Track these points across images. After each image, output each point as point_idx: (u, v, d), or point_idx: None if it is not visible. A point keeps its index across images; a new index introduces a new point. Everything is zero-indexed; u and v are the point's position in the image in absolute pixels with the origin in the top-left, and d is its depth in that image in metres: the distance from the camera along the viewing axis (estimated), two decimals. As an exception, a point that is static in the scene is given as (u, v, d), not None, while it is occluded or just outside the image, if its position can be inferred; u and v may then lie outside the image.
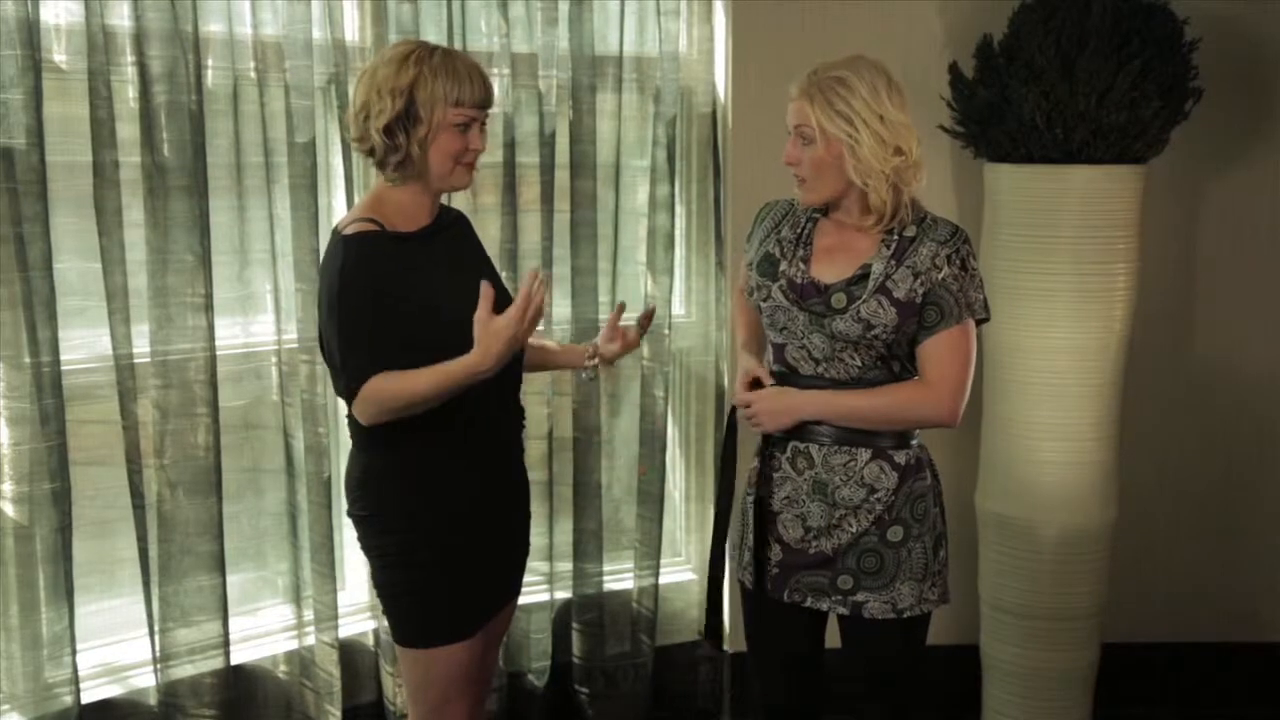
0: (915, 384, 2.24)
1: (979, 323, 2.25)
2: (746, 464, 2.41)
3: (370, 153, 2.18)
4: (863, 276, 2.21)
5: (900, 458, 2.26)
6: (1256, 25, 3.30)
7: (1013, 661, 3.13)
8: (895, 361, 2.24)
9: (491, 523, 2.28)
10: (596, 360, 2.50)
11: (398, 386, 2.09)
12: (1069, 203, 2.92)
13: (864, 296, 2.19)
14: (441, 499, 2.21)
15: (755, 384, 2.33)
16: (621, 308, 2.54)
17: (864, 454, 2.25)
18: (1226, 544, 3.52)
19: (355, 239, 2.13)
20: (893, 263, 2.20)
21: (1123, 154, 2.90)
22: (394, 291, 2.12)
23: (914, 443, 2.29)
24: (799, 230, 2.30)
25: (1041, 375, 2.99)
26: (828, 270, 2.25)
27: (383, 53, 2.19)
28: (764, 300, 2.29)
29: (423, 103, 2.11)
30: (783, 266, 2.28)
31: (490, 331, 2.06)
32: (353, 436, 2.26)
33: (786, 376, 2.30)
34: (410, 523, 2.21)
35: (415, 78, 2.11)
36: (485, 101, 2.19)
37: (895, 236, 2.21)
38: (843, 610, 2.29)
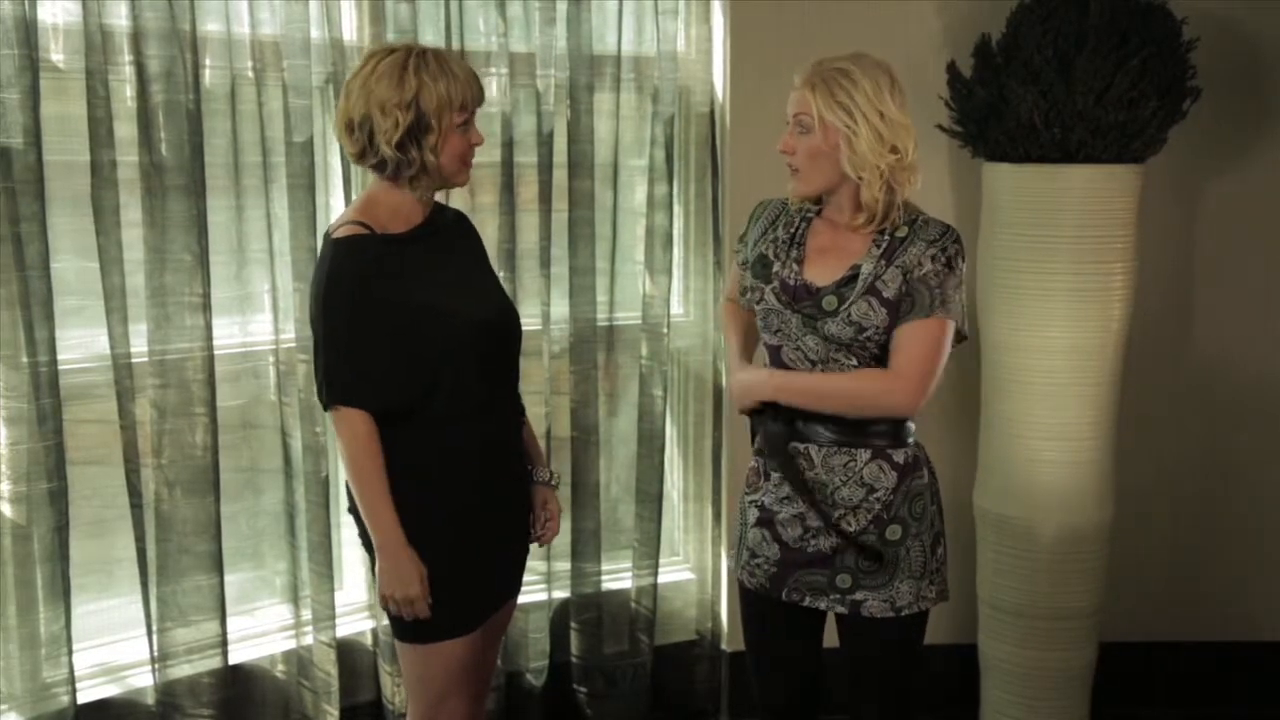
0: (879, 371, 2.22)
1: (958, 337, 2.25)
2: (744, 463, 2.42)
3: (377, 167, 2.18)
4: (852, 277, 2.21)
5: (899, 457, 2.26)
6: (1255, 25, 3.30)
7: (1011, 660, 3.13)
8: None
9: (491, 519, 2.29)
10: (547, 481, 2.45)
11: (364, 459, 2.14)
12: (1067, 202, 2.92)
13: (853, 298, 2.19)
14: (441, 495, 2.21)
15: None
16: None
17: (863, 454, 2.25)
18: (1224, 543, 3.52)
19: (344, 242, 2.14)
20: (882, 263, 2.20)
21: (1121, 153, 2.90)
22: (385, 296, 2.13)
23: (911, 440, 2.29)
24: (792, 231, 2.30)
25: (1039, 374, 2.99)
26: (820, 272, 2.25)
27: (370, 64, 2.15)
28: (757, 303, 2.30)
29: (430, 112, 2.12)
30: (776, 268, 2.28)
31: (404, 577, 2.17)
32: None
33: None
34: (410, 519, 2.21)
35: (418, 88, 2.11)
36: (482, 98, 2.21)
37: (886, 237, 2.21)
38: (841, 609, 2.29)
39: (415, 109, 2.11)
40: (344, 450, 2.18)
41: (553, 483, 2.47)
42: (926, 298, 2.18)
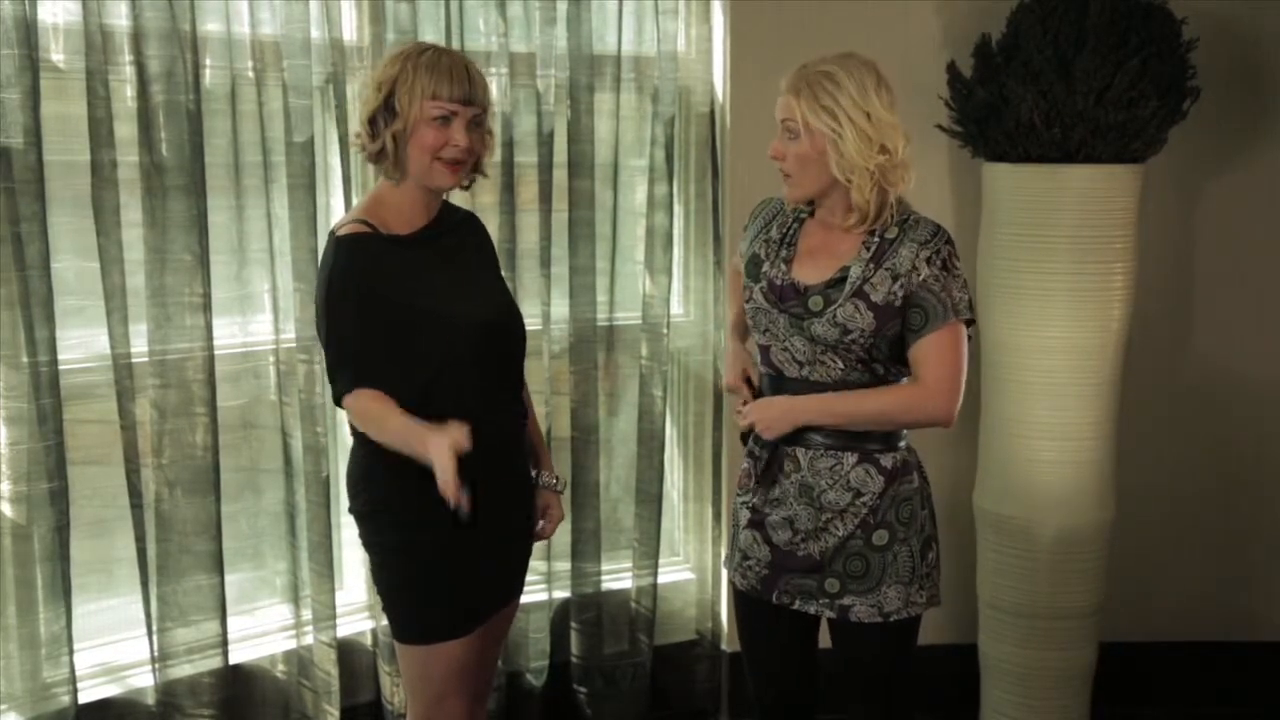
0: (911, 385, 2.23)
1: (965, 324, 2.25)
2: (735, 466, 2.42)
3: (371, 158, 2.20)
4: (840, 279, 2.20)
5: (887, 461, 2.25)
6: (1255, 25, 3.30)
7: (1011, 661, 3.13)
8: (878, 365, 2.23)
9: (492, 521, 2.28)
10: (552, 486, 2.46)
11: (376, 412, 2.13)
12: (1067, 202, 2.93)
13: (840, 300, 2.19)
14: (441, 496, 2.20)
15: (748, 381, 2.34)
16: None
17: (850, 458, 2.24)
18: (1224, 543, 3.52)
19: (347, 241, 2.15)
20: (871, 266, 2.19)
21: (1120, 153, 2.90)
22: (386, 295, 2.14)
23: (901, 445, 2.28)
24: (785, 231, 2.30)
25: (1039, 375, 2.99)
26: (809, 272, 2.24)
27: (386, 56, 2.22)
28: (747, 301, 2.29)
29: (399, 96, 2.15)
30: (765, 267, 2.28)
31: (439, 444, 2.02)
32: (354, 433, 2.27)
33: (773, 379, 2.29)
34: (410, 519, 2.21)
35: (398, 73, 2.15)
36: (466, 97, 2.17)
37: (876, 239, 2.20)
38: (830, 614, 2.28)
39: (389, 90, 2.15)
40: (362, 422, 2.18)
41: (557, 488, 2.47)
42: (936, 306, 2.18)
